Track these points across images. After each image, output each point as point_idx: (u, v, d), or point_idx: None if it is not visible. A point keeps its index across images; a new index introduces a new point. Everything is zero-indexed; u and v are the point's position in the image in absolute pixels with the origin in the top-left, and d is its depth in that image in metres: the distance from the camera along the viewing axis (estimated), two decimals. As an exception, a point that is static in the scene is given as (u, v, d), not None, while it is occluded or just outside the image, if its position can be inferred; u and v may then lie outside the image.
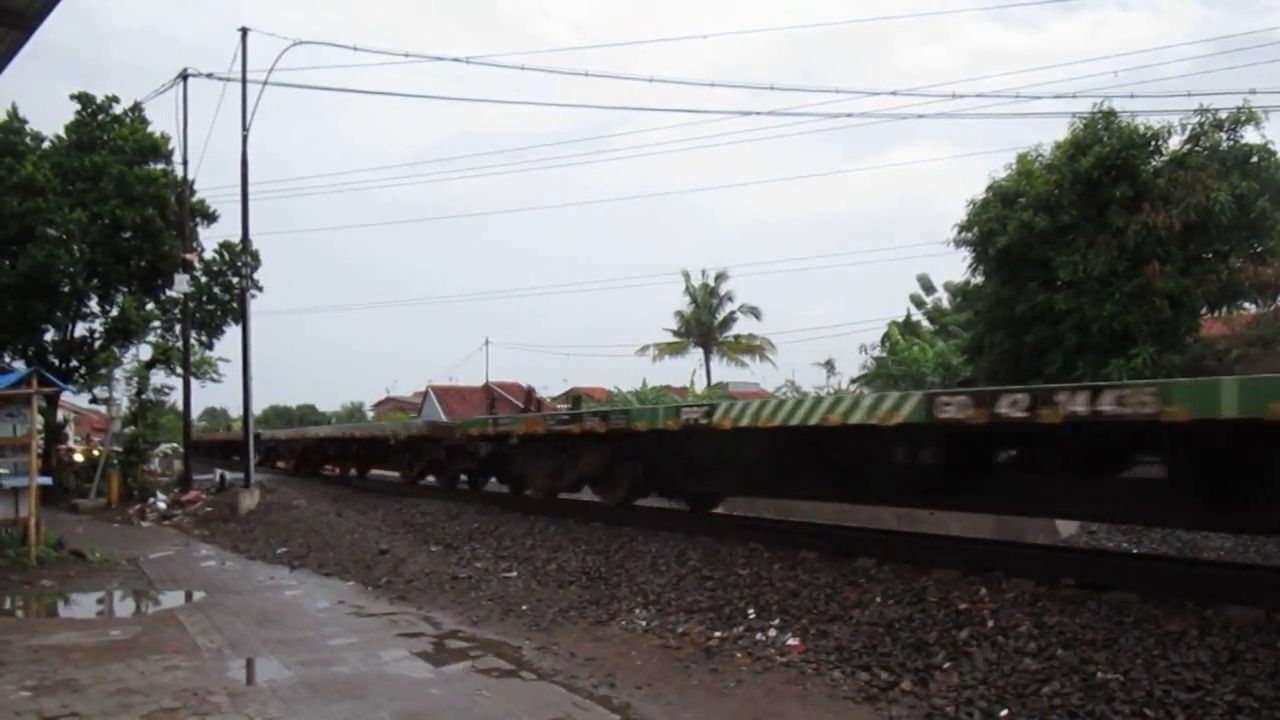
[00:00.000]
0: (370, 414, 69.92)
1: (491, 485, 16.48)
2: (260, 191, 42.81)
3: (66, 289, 21.31)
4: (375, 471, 21.85)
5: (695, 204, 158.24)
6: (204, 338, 24.11)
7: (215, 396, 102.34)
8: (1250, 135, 16.32)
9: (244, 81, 18.36)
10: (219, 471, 24.16)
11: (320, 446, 25.39)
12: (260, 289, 23.52)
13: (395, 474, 19.87)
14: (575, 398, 32.41)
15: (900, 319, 33.34)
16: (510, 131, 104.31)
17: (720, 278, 45.40)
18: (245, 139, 18.42)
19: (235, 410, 46.17)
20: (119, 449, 20.64)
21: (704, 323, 45.16)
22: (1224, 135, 16.35)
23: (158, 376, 22.31)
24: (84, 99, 22.44)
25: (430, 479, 18.20)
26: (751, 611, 6.60)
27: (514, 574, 8.92)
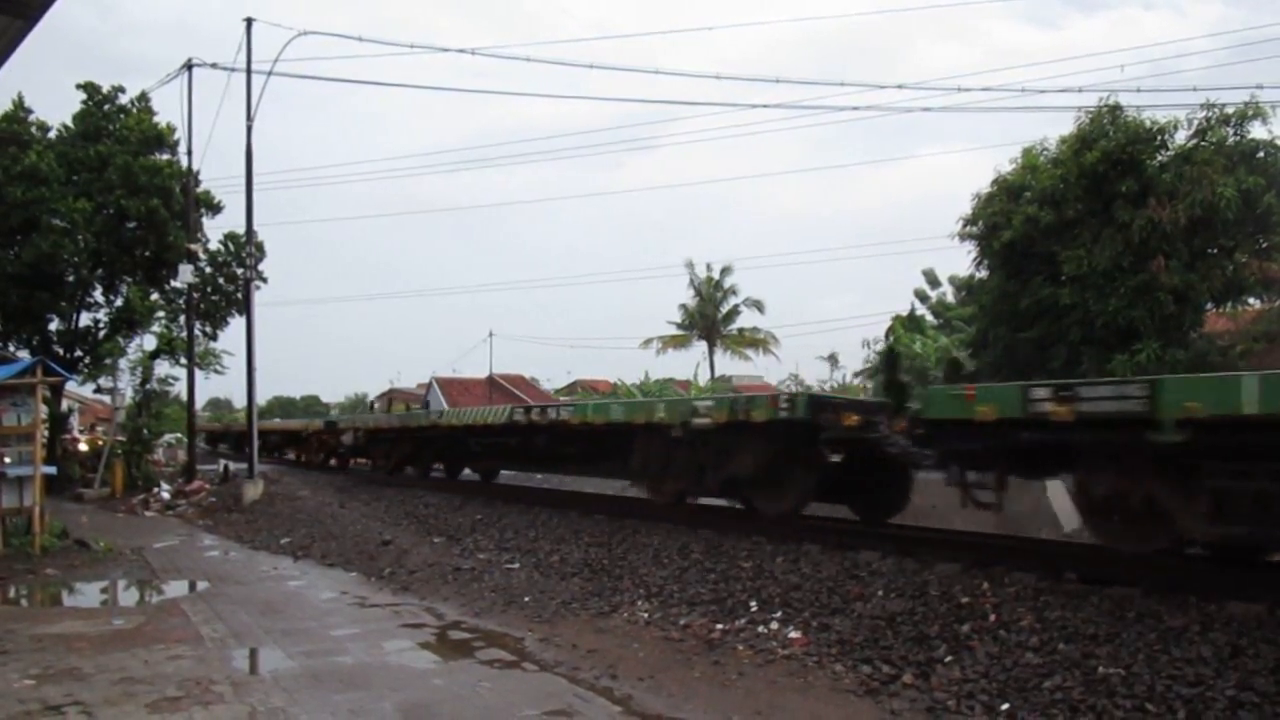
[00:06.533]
0: (374, 405, 69.82)
1: (440, 471, 19.26)
2: (267, 183, 42.82)
3: (71, 279, 21.36)
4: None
5: (716, 198, 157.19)
6: (208, 328, 24.14)
7: (219, 387, 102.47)
8: (1257, 130, 16.20)
9: (249, 72, 18.33)
10: (223, 462, 24.21)
11: (265, 437, 29.71)
12: (265, 280, 23.51)
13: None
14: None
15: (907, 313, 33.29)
16: (530, 128, 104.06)
17: (725, 271, 45.29)
18: (250, 130, 18.39)
19: (239, 400, 46.32)
20: (123, 439, 20.69)
21: (708, 316, 45.07)
22: (1230, 130, 16.24)
23: (162, 367, 22.35)
24: (90, 89, 22.35)
25: (332, 462, 23.14)
26: (754, 604, 6.61)
27: (516, 566, 8.94)
